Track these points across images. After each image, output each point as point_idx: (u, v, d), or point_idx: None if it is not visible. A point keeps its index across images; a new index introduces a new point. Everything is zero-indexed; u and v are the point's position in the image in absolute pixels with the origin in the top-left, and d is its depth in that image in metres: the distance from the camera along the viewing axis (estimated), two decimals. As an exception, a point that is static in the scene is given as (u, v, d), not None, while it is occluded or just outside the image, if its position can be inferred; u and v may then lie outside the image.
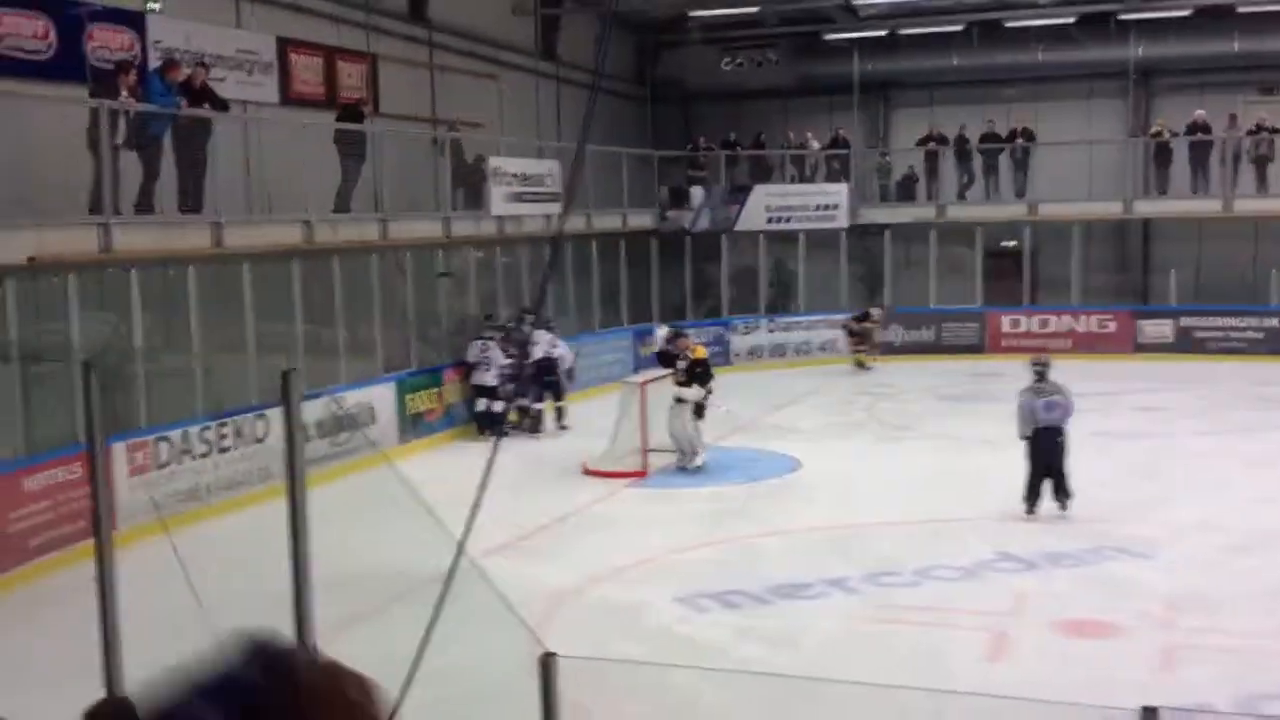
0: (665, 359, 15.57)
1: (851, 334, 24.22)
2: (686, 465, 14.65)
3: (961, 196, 26.21)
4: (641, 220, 25.02)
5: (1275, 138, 24.29)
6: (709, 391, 14.87)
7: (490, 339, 17.41)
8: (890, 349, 24.83)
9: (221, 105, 14.21)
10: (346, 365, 16.12)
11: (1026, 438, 12.21)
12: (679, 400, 14.66)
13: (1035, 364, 12.59)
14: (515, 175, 20.08)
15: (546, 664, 4.32)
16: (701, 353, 15.30)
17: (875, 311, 24.32)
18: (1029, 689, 7.44)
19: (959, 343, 24.82)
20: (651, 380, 15.24)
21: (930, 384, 21.30)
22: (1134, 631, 8.90)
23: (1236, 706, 7.39)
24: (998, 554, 10.97)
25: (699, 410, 14.73)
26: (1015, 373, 20.60)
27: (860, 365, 23.83)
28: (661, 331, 16.94)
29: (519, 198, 20.03)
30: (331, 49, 18.50)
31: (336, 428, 14.61)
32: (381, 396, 16.27)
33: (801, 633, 9.10)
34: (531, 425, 17.36)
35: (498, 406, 16.83)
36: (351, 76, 18.84)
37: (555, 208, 20.51)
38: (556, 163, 21.46)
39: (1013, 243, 25.78)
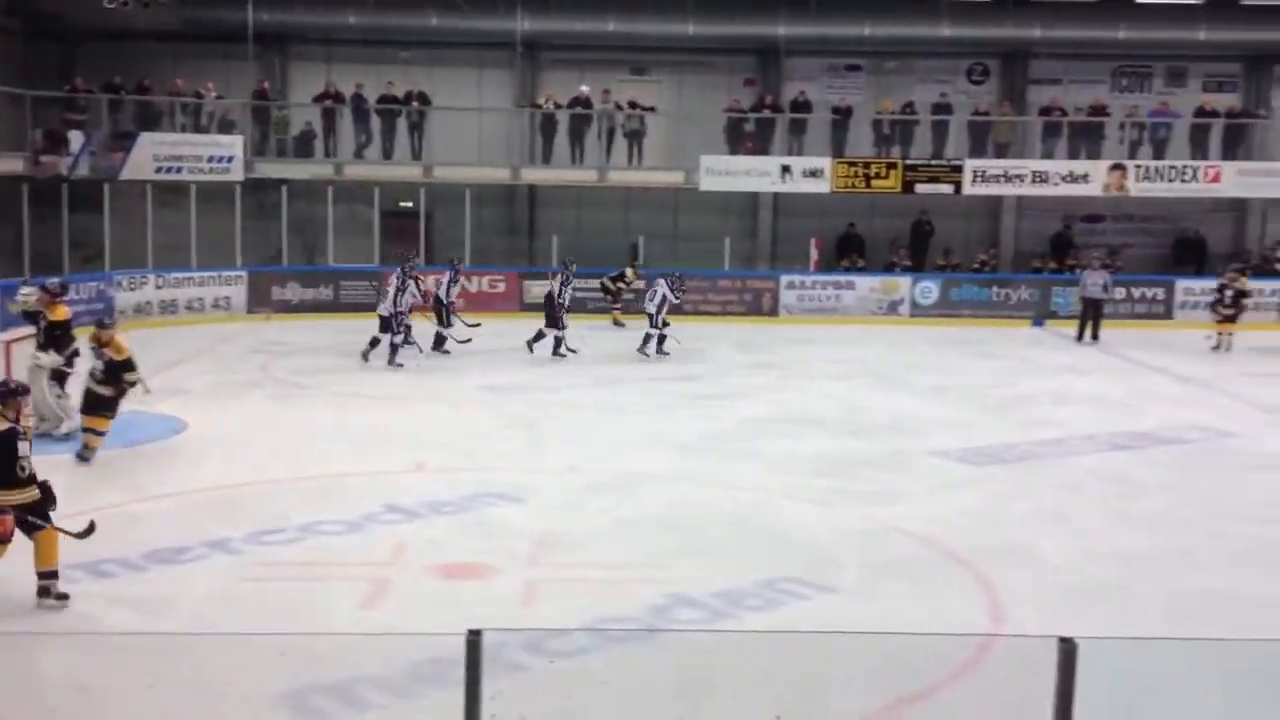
0: (32, 318, 14.32)
1: (606, 292, 24.40)
2: (52, 433, 13.60)
3: (360, 156, 26.42)
4: (12, 165, 22.87)
5: (645, 115, 26.78)
6: (73, 354, 13.92)
7: None
8: (288, 307, 24.58)
9: None
10: None
11: None
12: (37, 366, 13.61)
13: None
14: None
15: None
16: (62, 314, 14.18)
17: (629, 271, 24.50)
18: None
19: (357, 301, 25.07)
20: (16, 339, 13.99)
21: (330, 341, 21.35)
22: (503, 571, 9.57)
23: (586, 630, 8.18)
24: (384, 506, 11.30)
25: (57, 376, 13.75)
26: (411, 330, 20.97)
27: (618, 323, 23.97)
28: (26, 290, 15.47)
29: None
30: None
31: None
32: None
33: (178, 597, 8.89)
34: None
35: None
36: None
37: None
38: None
39: (410, 204, 26.41)
